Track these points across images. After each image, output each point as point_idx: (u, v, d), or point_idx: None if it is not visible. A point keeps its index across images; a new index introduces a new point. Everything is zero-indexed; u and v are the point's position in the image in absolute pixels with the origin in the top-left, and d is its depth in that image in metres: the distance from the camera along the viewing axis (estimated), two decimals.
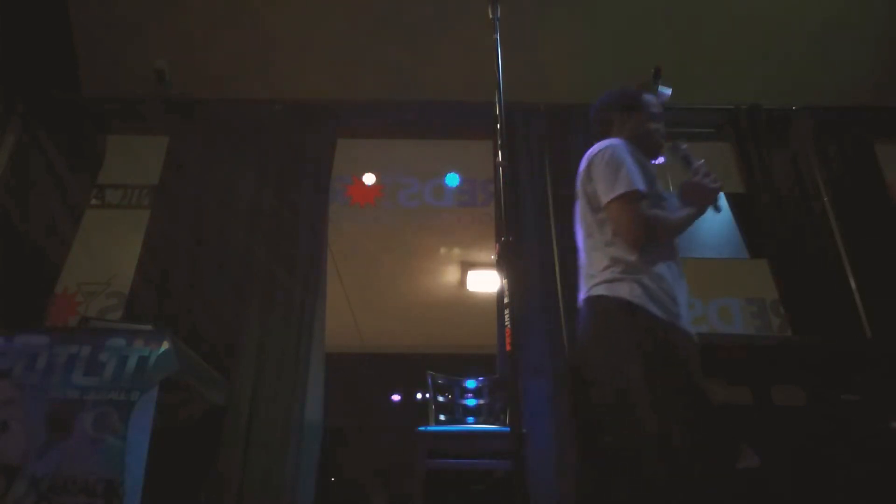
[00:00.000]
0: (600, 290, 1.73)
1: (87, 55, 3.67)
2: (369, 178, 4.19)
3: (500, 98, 1.78)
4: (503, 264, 1.64)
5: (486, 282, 5.71)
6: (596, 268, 1.78)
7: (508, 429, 1.60)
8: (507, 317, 1.54)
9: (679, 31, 3.62)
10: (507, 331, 1.54)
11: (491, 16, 1.92)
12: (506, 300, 1.56)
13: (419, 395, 7.16)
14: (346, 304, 6.26)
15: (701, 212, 1.86)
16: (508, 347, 1.52)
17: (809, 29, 3.59)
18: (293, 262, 3.33)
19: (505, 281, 1.60)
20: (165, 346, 2.23)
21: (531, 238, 3.43)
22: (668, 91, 3.72)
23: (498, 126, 1.76)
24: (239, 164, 3.62)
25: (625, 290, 1.68)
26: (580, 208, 1.92)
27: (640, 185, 1.75)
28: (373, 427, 6.86)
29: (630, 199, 1.73)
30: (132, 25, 3.59)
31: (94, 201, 3.79)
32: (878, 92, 3.89)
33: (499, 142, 1.74)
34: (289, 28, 3.61)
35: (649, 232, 1.74)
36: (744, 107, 3.89)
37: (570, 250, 3.41)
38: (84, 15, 3.52)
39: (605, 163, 1.81)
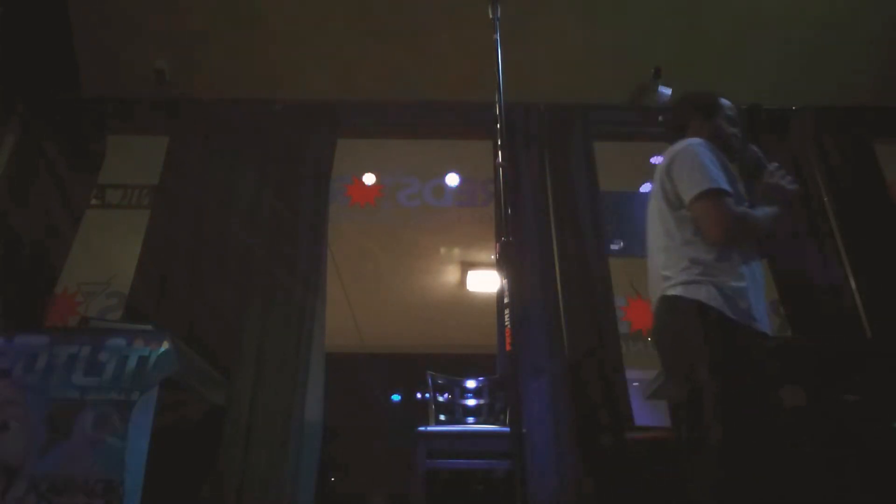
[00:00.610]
0: (677, 291, 1.74)
1: (87, 55, 3.67)
2: (369, 178, 4.20)
3: (500, 98, 1.77)
4: (503, 264, 1.64)
5: (486, 282, 5.71)
6: (673, 268, 1.78)
7: (508, 429, 1.60)
8: (507, 317, 1.54)
9: (679, 31, 3.62)
10: (507, 331, 1.54)
11: (491, 16, 1.92)
12: (506, 300, 1.56)
13: (419, 395, 7.16)
14: (346, 304, 6.26)
15: (782, 212, 1.88)
16: (508, 347, 1.52)
17: (809, 29, 3.59)
18: (293, 262, 3.33)
19: (505, 281, 1.60)
20: (165, 346, 2.22)
21: (531, 238, 3.43)
22: (668, 91, 3.72)
23: (498, 126, 1.76)
24: (239, 164, 3.62)
25: (702, 293, 1.69)
26: (655, 207, 1.93)
27: (724, 183, 1.76)
28: (373, 427, 6.86)
29: (714, 195, 1.73)
30: (132, 25, 3.59)
31: (94, 201, 3.79)
32: (878, 92, 3.89)
33: (499, 142, 1.74)
34: (289, 28, 3.61)
35: (736, 228, 1.74)
36: (744, 107, 3.89)
37: (570, 250, 3.42)
38: (84, 15, 3.52)
39: (688, 161, 1.82)
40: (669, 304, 1.76)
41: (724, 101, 2.08)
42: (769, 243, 3.52)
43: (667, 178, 1.87)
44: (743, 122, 3.85)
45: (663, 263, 1.83)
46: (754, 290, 1.74)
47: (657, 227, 1.90)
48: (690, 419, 1.65)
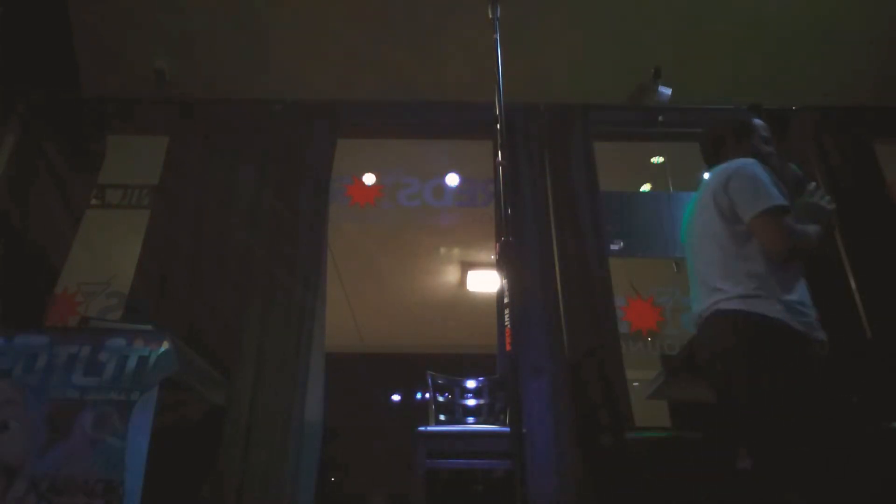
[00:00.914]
0: (734, 305, 1.77)
1: (87, 55, 3.67)
2: (369, 178, 4.20)
3: (499, 98, 1.77)
4: (503, 264, 1.64)
5: (486, 282, 5.72)
6: (727, 281, 1.81)
7: (508, 429, 1.60)
8: (507, 317, 1.54)
9: (679, 31, 3.62)
10: (507, 331, 1.53)
11: (491, 16, 1.92)
12: (506, 300, 1.56)
13: (419, 395, 7.16)
14: (346, 304, 6.27)
15: (826, 229, 1.94)
16: (508, 347, 1.52)
17: (809, 29, 3.59)
18: (293, 262, 3.32)
19: (505, 281, 1.60)
20: (165, 346, 2.22)
21: (531, 238, 3.43)
22: (668, 91, 3.72)
23: (498, 126, 1.76)
24: (239, 164, 3.62)
25: (764, 307, 1.72)
26: (707, 220, 1.95)
27: (782, 200, 1.81)
28: (373, 427, 6.86)
29: (776, 213, 1.78)
30: (132, 25, 3.59)
31: (94, 201, 3.79)
32: (878, 92, 3.88)
33: (499, 142, 1.74)
34: (289, 28, 3.61)
35: (797, 245, 1.79)
36: (744, 107, 3.89)
37: (570, 250, 3.42)
38: (84, 15, 3.52)
39: (746, 179, 1.86)
40: (727, 318, 1.78)
41: (758, 122, 2.13)
42: None
43: (723, 194, 1.90)
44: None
45: (715, 276, 1.86)
46: (809, 303, 1.80)
47: (708, 242, 1.93)
48: (755, 434, 1.69)
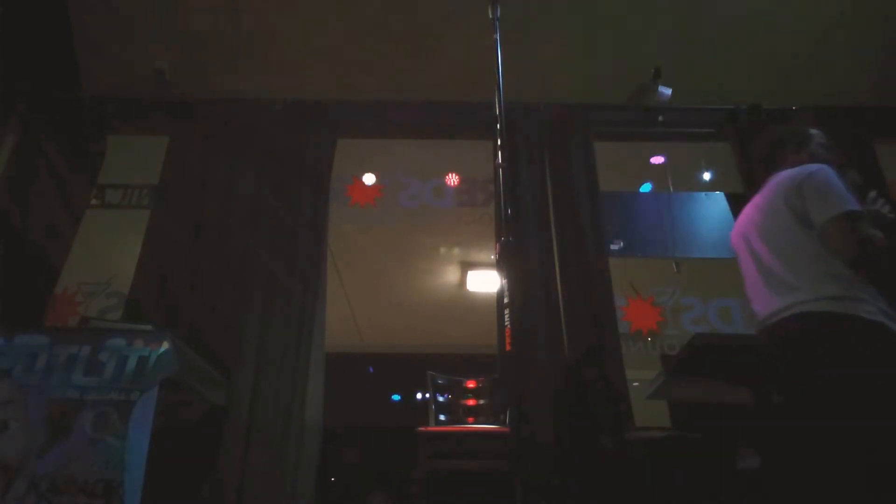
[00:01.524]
0: (823, 307, 1.75)
1: (87, 55, 3.67)
2: (369, 178, 4.19)
3: (500, 98, 1.78)
4: (503, 264, 1.64)
5: (486, 282, 5.72)
6: (811, 282, 1.81)
7: (508, 429, 1.60)
8: (507, 317, 1.54)
9: (679, 31, 3.62)
10: (507, 331, 1.54)
11: (491, 16, 1.93)
12: (506, 300, 1.56)
13: (419, 395, 7.16)
14: (346, 304, 6.26)
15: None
16: (508, 347, 1.52)
17: (809, 29, 3.59)
18: (293, 262, 3.33)
19: (505, 281, 1.60)
20: (165, 346, 2.22)
21: (531, 238, 3.43)
22: (668, 91, 3.73)
23: (498, 126, 1.76)
24: (239, 164, 3.62)
25: (858, 308, 1.71)
26: (781, 223, 1.95)
27: (856, 205, 1.82)
28: (373, 427, 6.86)
29: (852, 218, 1.79)
30: (132, 25, 3.59)
31: (94, 201, 3.79)
32: (878, 92, 3.88)
33: (499, 142, 1.74)
34: (289, 28, 3.61)
35: (869, 250, 1.79)
36: (744, 107, 3.88)
37: (570, 250, 3.42)
38: (84, 15, 3.52)
39: (819, 183, 1.87)
40: (822, 321, 1.76)
41: (814, 131, 2.16)
42: None
43: (796, 197, 1.91)
44: (745, 123, 3.86)
45: (795, 276, 1.85)
46: None
47: (784, 244, 1.93)
48: (852, 437, 1.67)
